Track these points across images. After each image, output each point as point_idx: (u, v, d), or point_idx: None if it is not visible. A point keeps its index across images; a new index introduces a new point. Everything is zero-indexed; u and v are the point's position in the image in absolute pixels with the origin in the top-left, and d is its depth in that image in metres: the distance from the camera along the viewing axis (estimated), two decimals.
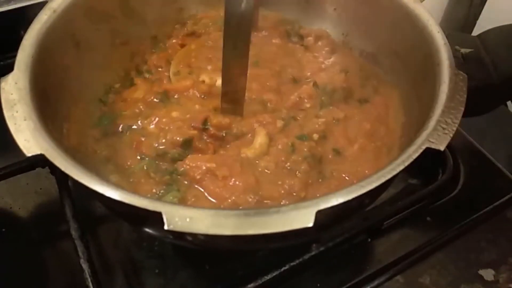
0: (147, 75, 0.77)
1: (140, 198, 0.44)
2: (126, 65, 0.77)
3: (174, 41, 0.81)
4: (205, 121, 0.67)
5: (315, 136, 0.67)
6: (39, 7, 0.64)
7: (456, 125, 0.52)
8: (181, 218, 0.42)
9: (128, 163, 0.65)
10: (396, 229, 0.71)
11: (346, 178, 0.64)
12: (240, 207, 0.59)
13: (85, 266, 0.60)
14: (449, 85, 0.56)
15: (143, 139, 0.67)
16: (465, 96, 0.56)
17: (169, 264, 0.67)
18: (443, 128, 0.52)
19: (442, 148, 0.50)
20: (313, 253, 0.64)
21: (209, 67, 0.76)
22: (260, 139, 0.65)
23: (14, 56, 0.57)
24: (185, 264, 0.67)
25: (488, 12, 1.35)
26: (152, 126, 0.67)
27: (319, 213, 0.43)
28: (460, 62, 0.71)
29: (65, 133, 0.62)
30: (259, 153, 0.64)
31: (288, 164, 0.63)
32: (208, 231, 0.42)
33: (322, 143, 0.67)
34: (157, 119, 0.68)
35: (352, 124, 0.69)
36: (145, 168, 0.64)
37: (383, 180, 0.47)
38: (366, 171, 0.64)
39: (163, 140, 0.65)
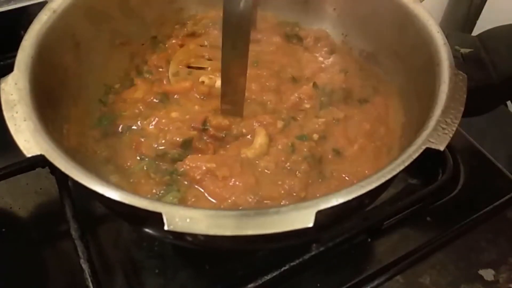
0: (147, 76, 0.76)
1: (140, 198, 0.44)
2: (126, 66, 0.77)
3: (174, 41, 0.81)
4: (204, 122, 0.67)
5: (315, 136, 0.67)
6: (39, 7, 0.64)
7: (456, 125, 0.52)
8: (181, 219, 0.42)
9: (128, 163, 0.65)
10: (396, 229, 0.71)
11: (346, 178, 0.64)
12: (240, 208, 0.59)
13: (85, 266, 0.60)
14: (449, 85, 0.56)
15: (142, 139, 0.67)
16: (465, 96, 0.56)
17: (169, 264, 0.67)
18: (443, 128, 0.52)
19: (442, 148, 0.50)
20: (313, 253, 0.64)
21: (208, 68, 0.76)
22: (260, 139, 0.65)
23: (14, 56, 0.57)
24: (185, 264, 0.67)
25: (488, 12, 1.35)
26: (151, 127, 0.67)
27: (319, 213, 0.43)
28: (460, 62, 0.71)
29: (65, 133, 0.62)
30: (259, 153, 0.64)
31: (288, 164, 0.63)
32: (208, 231, 0.42)
33: (322, 143, 0.67)
34: (156, 119, 0.68)
35: (352, 124, 0.69)
36: (145, 168, 0.64)
37: (383, 180, 0.47)
38: (366, 171, 0.64)
39: (163, 141, 0.65)
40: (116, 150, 0.66)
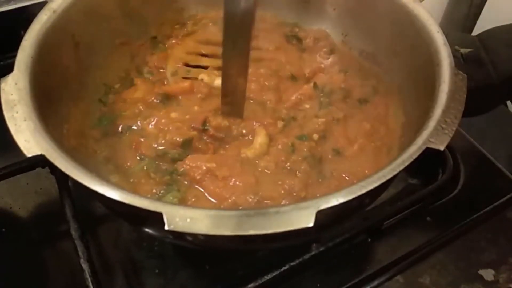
0: (147, 76, 0.76)
1: (141, 198, 0.45)
2: (126, 66, 0.77)
3: (174, 41, 0.81)
4: (204, 122, 0.67)
5: (315, 136, 0.67)
6: (39, 7, 0.64)
7: (456, 125, 0.52)
8: (181, 219, 0.42)
9: (128, 163, 0.65)
10: (396, 229, 0.71)
11: (346, 178, 0.64)
12: (240, 207, 0.59)
13: (85, 266, 0.60)
14: (449, 85, 0.56)
15: (142, 139, 0.67)
16: (465, 96, 0.56)
17: (169, 264, 0.67)
18: (443, 128, 0.52)
19: (442, 148, 0.50)
20: (313, 253, 0.64)
21: (208, 68, 0.76)
22: (260, 139, 0.65)
23: (14, 56, 0.57)
24: (185, 264, 0.67)
25: (488, 12, 1.35)
26: (151, 127, 0.67)
27: (319, 213, 0.43)
28: (460, 62, 0.71)
29: (65, 133, 0.62)
30: (259, 153, 0.64)
31: (288, 164, 0.63)
32: (208, 231, 0.42)
33: (322, 143, 0.67)
34: (156, 119, 0.68)
35: (352, 124, 0.70)
36: (145, 168, 0.64)
37: (383, 180, 0.47)
38: (366, 171, 0.64)
39: (163, 141, 0.65)
40: (116, 150, 0.67)
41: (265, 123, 0.67)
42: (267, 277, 0.61)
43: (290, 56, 0.79)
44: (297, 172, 0.63)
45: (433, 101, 0.56)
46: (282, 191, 0.60)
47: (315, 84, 0.74)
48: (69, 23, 0.66)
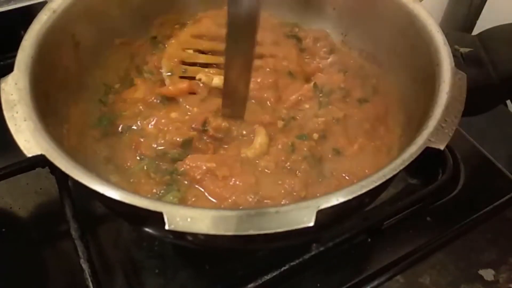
0: (147, 76, 0.76)
1: (141, 198, 0.45)
2: (126, 65, 0.77)
3: (173, 41, 0.81)
4: (204, 123, 0.66)
5: (315, 135, 0.67)
6: (39, 7, 0.64)
7: (456, 125, 0.52)
8: (182, 218, 0.42)
9: (128, 163, 0.65)
10: (396, 229, 0.71)
11: (346, 177, 0.64)
12: (241, 207, 0.59)
13: (85, 266, 0.60)
14: (449, 84, 0.57)
15: (142, 139, 0.66)
16: (465, 95, 0.56)
17: (169, 264, 0.67)
18: (443, 128, 0.52)
19: (442, 147, 0.51)
20: (313, 253, 0.64)
21: (204, 62, 0.75)
22: (260, 139, 0.65)
23: (14, 56, 0.57)
24: (185, 264, 0.67)
25: (488, 12, 1.35)
26: (150, 127, 0.67)
27: (319, 213, 0.43)
28: (460, 61, 0.71)
29: (65, 133, 0.62)
30: (259, 153, 0.64)
31: (288, 163, 0.63)
32: (208, 231, 0.42)
33: (322, 142, 0.67)
34: (156, 119, 0.68)
35: (352, 124, 0.69)
36: (145, 168, 0.64)
37: (383, 179, 0.47)
38: (366, 171, 0.64)
39: (162, 141, 0.65)
40: (116, 150, 0.67)
41: (265, 123, 0.67)
42: (267, 277, 0.61)
43: (291, 57, 0.79)
44: (297, 171, 0.63)
45: (433, 101, 0.56)
46: (282, 191, 0.60)
47: (315, 84, 0.74)
48: (69, 23, 0.66)
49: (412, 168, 0.49)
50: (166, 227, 0.42)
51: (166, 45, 0.80)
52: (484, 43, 0.73)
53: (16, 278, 0.66)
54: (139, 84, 0.74)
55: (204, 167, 0.62)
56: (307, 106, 0.72)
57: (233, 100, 0.65)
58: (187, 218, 0.42)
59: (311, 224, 0.42)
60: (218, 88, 0.69)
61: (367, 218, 0.69)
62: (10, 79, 0.55)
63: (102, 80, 0.73)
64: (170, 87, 0.72)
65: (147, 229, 0.55)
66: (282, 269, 0.62)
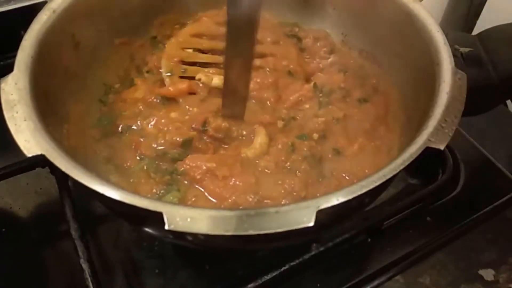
0: (147, 76, 0.76)
1: (141, 198, 0.45)
2: (126, 65, 0.77)
3: (173, 41, 0.81)
4: (204, 123, 0.66)
5: (315, 135, 0.67)
6: (39, 7, 0.64)
7: (456, 125, 0.52)
8: (181, 218, 0.42)
9: (128, 163, 0.65)
10: (396, 229, 0.71)
11: (346, 177, 0.64)
12: (241, 207, 0.59)
13: (85, 266, 0.60)
14: (449, 84, 0.57)
15: (142, 139, 0.67)
16: (465, 95, 0.56)
17: (169, 264, 0.67)
18: (443, 128, 0.52)
19: (442, 147, 0.51)
20: (313, 253, 0.64)
21: (204, 61, 0.75)
22: (260, 139, 0.65)
23: (14, 56, 0.57)
24: (185, 264, 0.67)
25: (488, 12, 1.35)
26: (150, 127, 0.67)
27: (319, 213, 0.43)
28: (460, 61, 0.71)
29: (65, 133, 0.62)
30: (259, 153, 0.64)
31: (288, 163, 0.63)
32: (208, 231, 0.42)
33: (322, 142, 0.67)
34: (155, 119, 0.68)
35: (352, 124, 0.69)
36: (145, 168, 0.64)
37: (383, 179, 0.47)
38: (366, 171, 0.64)
39: (162, 141, 0.65)
40: (116, 150, 0.67)
41: (265, 123, 0.67)
42: (267, 277, 0.61)
43: (290, 57, 0.79)
44: (297, 171, 0.63)
45: (433, 101, 0.56)
46: (282, 191, 0.60)
47: (315, 84, 0.74)
48: (69, 23, 0.66)
49: (412, 168, 0.49)
50: (166, 227, 0.42)
51: (166, 45, 0.80)
52: (484, 43, 0.73)
53: (16, 278, 0.66)
54: (139, 84, 0.74)
55: (204, 167, 0.62)
56: (307, 106, 0.72)
57: (233, 100, 0.65)
58: (187, 218, 0.42)
59: (311, 224, 0.42)
60: (218, 88, 0.69)
61: (367, 218, 0.69)
62: (10, 79, 0.55)
63: (102, 80, 0.73)
64: (170, 88, 0.72)
65: (147, 229, 0.55)
66: (282, 269, 0.62)
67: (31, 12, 0.63)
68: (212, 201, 0.60)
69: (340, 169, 0.64)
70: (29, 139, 0.50)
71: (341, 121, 0.69)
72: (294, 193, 0.60)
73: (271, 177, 0.62)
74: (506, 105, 0.96)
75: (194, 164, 0.62)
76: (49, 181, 0.74)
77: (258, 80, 0.72)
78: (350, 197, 0.45)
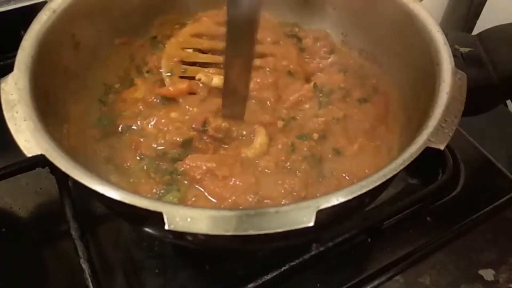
0: (147, 76, 0.76)
1: (141, 198, 0.44)
2: (126, 65, 0.77)
3: (173, 40, 0.81)
4: (204, 123, 0.66)
5: (315, 135, 0.67)
6: (39, 7, 0.64)
7: (456, 125, 0.52)
8: (181, 218, 0.42)
9: (128, 163, 0.65)
10: (396, 229, 0.71)
11: (346, 177, 0.64)
12: (241, 207, 0.59)
13: (85, 266, 0.60)
14: (449, 84, 0.56)
15: (142, 139, 0.66)
16: (465, 95, 0.56)
17: (169, 264, 0.67)
18: (443, 128, 0.52)
19: (442, 147, 0.50)
20: (313, 253, 0.64)
21: (204, 61, 0.75)
22: (260, 139, 0.65)
23: (14, 56, 0.57)
24: (185, 264, 0.67)
25: (488, 12, 1.35)
26: (150, 127, 0.67)
27: (319, 213, 0.43)
28: (460, 61, 0.71)
29: (65, 133, 0.62)
30: (259, 153, 0.64)
31: (288, 163, 0.63)
32: (208, 231, 0.42)
33: (322, 142, 0.67)
34: (155, 119, 0.68)
35: (352, 124, 0.69)
36: (145, 168, 0.64)
37: (383, 179, 0.47)
38: (366, 171, 0.64)
39: (162, 141, 0.65)
40: (116, 150, 0.67)
41: (265, 123, 0.67)
42: (267, 277, 0.61)
43: (290, 57, 0.79)
44: (297, 171, 0.63)
45: (433, 101, 0.56)
46: (282, 191, 0.60)
47: (315, 84, 0.74)
48: (69, 23, 0.66)
49: (412, 168, 0.49)
50: (166, 227, 0.42)
51: (166, 45, 0.80)
52: (484, 43, 0.73)
53: (16, 278, 0.66)
54: (139, 84, 0.74)
55: (204, 167, 0.62)
56: (307, 106, 0.72)
57: (233, 100, 0.65)
58: (186, 218, 0.42)
59: (311, 224, 0.42)
60: (218, 88, 0.69)
61: (367, 218, 0.69)
62: (10, 79, 0.55)
63: (102, 80, 0.73)
64: (170, 88, 0.72)
65: (147, 229, 0.55)
66: (282, 269, 0.62)
67: (31, 12, 0.63)
68: (212, 201, 0.60)
69: (340, 169, 0.64)
70: (29, 139, 0.50)
71: (341, 121, 0.69)
72: (294, 193, 0.60)
73: (271, 177, 0.62)
74: (506, 105, 0.96)
75: (194, 164, 0.62)
76: (49, 181, 0.74)
77: (258, 80, 0.72)
78: (350, 197, 0.45)
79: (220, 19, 0.78)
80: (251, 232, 0.42)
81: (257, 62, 0.74)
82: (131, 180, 0.63)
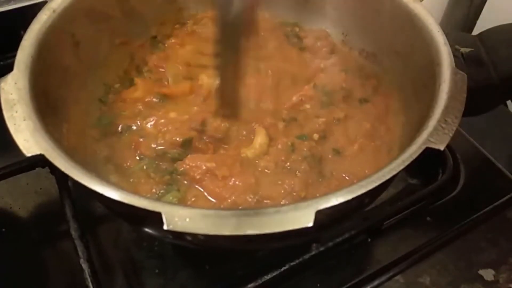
0: (147, 75, 0.76)
1: (140, 198, 0.44)
2: (126, 65, 0.77)
3: (174, 41, 0.81)
4: (203, 123, 0.66)
5: (315, 136, 0.67)
6: (39, 7, 0.64)
7: (456, 125, 0.52)
8: (180, 218, 0.42)
9: (128, 163, 0.65)
10: (396, 229, 0.71)
11: (346, 177, 0.64)
12: (240, 207, 0.59)
13: (85, 266, 0.60)
14: (449, 84, 0.56)
15: (141, 139, 0.67)
16: (465, 95, 0.56)
17: (169, 264, 0.67)
18: (443, 128, 0.52)
19: (442, 147, 0.50)
20: (313, 253, 0.64)
21: (207, 64, 0.75)
22: (260, 139, 0.65)
23: (14, 56, 0.57)
24: (185, 264, 0.67)
25: (488, 12, 1.35)
26: (150, 127, 0.67)
27: (319, 213, 0.43)
28: (460, 61, 0.71)
29: (65, 133, 0.61)
30: (259, 153, 0.64)
31: (288, 164, 0.63)
32: (208, 231, 0.42)
33: (322, 142, 0.67)
34: (155, 119, 0.68)
35: (352, 124, 0.69)
36: (144, 168, 0.64)
37: (383, 179, 0.47)
38: (366, 171, 0.64)
39: (162, 141, 0.65)
40: (115, 150, 0.66)
41: (265, 123, 0.67)
42: (267, 277, 0.61)
43: (291, 57, 0.79)
44: (297, 172, 0.63)
45: (433, 101, 0.55)
46: (282, 191, 0.60)
47: (315, 84, 0.74)
48: (69, 23, 0.66)
49: (412, 168, 0.49)
50: (165, 227, 0.42)
51: (166, 45, 0.80)
52: (484, 43, 0.73)
53: (16, 278, 0.66)
54: (139, 84, 0.74)
55: (204, 167, 0.62)
56: (307, 106, 0.72)
57: (226, 101, 0.65)
58: (185, 218, 0.42)
59: (310, 224, 0.42)
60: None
61: (367, 218, 0.69)
62: (10, 78, 0.55)
63: (102, 80, 0.73)
64: (172, 87, 0.72)
65: (146, 229, 0.55)
66: (282, 269, 0.62)
67: (31, 12, 0.63)
68: (211, 201, 0.60)
69: (340, 169, 0.64)
70: (29, 139, 0.50)
71: (341, 121, 0.69)
72: (294, 193, 0.60)
73: (271, 177, 0.62)
74: (506, 105, 0.96)
75: (194, 164, 0.62)
76: (49, 181, 0.74)
77: (259, 81, 0.72)
78: (349, 197, 0.45)
79: None
80: (251, 232, 0.42)
81: (257, 62, 0.74)
82: (131, 180, 0.63)
